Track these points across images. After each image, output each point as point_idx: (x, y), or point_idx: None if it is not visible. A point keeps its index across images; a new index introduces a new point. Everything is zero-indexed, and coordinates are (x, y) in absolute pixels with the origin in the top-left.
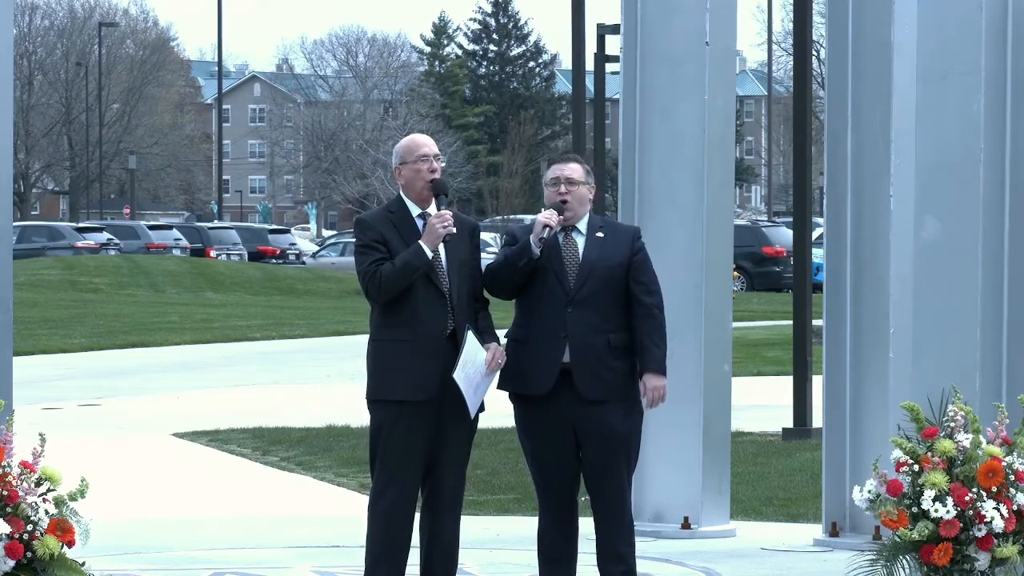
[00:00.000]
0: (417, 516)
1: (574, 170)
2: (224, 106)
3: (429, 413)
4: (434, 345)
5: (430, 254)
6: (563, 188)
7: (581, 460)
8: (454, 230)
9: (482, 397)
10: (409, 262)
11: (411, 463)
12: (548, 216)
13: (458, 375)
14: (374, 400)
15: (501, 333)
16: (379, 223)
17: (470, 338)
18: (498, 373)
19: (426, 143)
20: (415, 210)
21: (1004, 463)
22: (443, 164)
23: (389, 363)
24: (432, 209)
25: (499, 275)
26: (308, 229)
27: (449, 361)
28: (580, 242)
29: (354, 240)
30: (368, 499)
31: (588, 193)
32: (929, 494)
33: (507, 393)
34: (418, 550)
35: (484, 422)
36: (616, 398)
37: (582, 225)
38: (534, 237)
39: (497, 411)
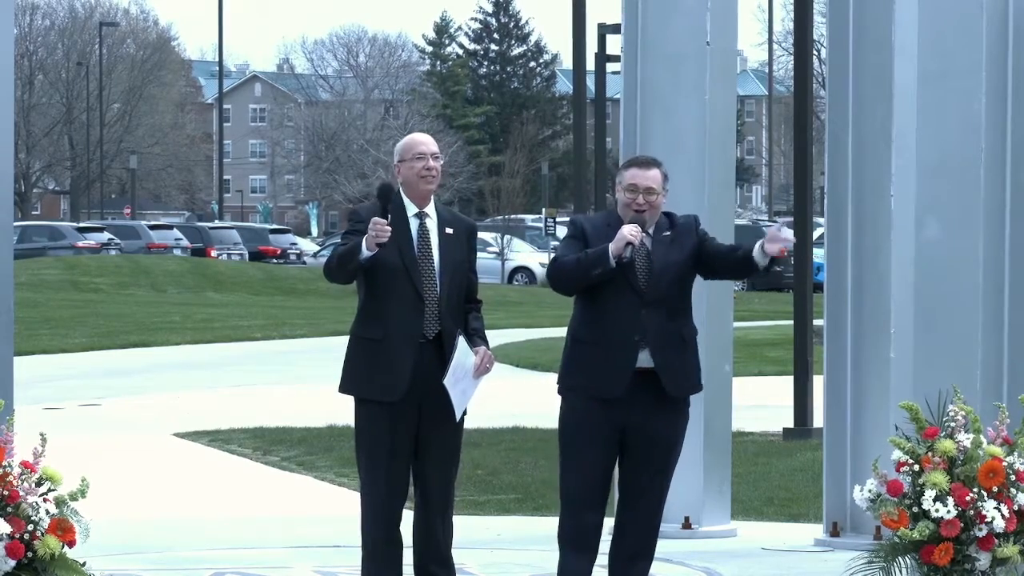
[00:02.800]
0: (412, 517)
1: (654, 179)
2: (225, 106)
3: (408, 413)
4: (405, 347)
5: (365, 254)
6: (641, 199)
7: (623, 466)
8: (385, 239)
9: (468, 399)
10: (344, 255)
11: (390, 461)
12: (634, 233)
13: (448, 381)
14: (353, 396)
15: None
16: (370, 216)
17: (461, 343)
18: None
19: (423, 141)
20: (412, 209)
21: (1005, 463)
22: (441, 163)
23: (358, 360)
24: (429, 209)
25: (569, 276)
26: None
27: (422, 363)
28: (648, 243)
29: None
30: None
31: (662, 201)
32: (930, 494)
33: (558, 387)
34: (411, 550)
35: (484, 422)
36: (688, 390)
37: (650, 228)
38: (615, 250)
39: (498, 411)
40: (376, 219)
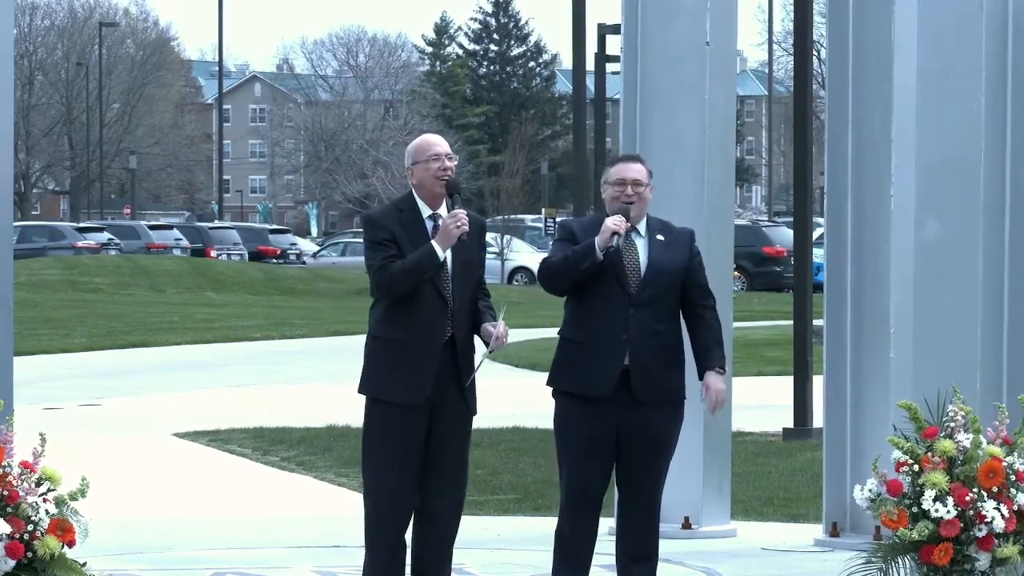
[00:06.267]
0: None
1: (639, 171)
2: (224, 106)
3: (423, 416)
4: (430, 350)
5: (442, 256)
6: (630, 190)
7: (618, 463)
8: (467, 228)
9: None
10: (421, 263)
11: (402, 464)
12: (617, 223)
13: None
14: (370, 397)
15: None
16: (389, 221)
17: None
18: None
19: (438, 142)
20: (426, 211)
21: (1004, 463)
22: (455, 162)
23: (383, 362)
24: (443, 210)
25: (558, 274)
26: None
27: (443, 366)
28: (640, 244)
29: (364, 237)
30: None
31: (649, 195)
32: (929, 494)
33: (551, 389)
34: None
35: (484, 422)
36: (666, 402)
37: (641, 227)
38: (600, 242)
39: (498, 411)
40: (456, 212)
